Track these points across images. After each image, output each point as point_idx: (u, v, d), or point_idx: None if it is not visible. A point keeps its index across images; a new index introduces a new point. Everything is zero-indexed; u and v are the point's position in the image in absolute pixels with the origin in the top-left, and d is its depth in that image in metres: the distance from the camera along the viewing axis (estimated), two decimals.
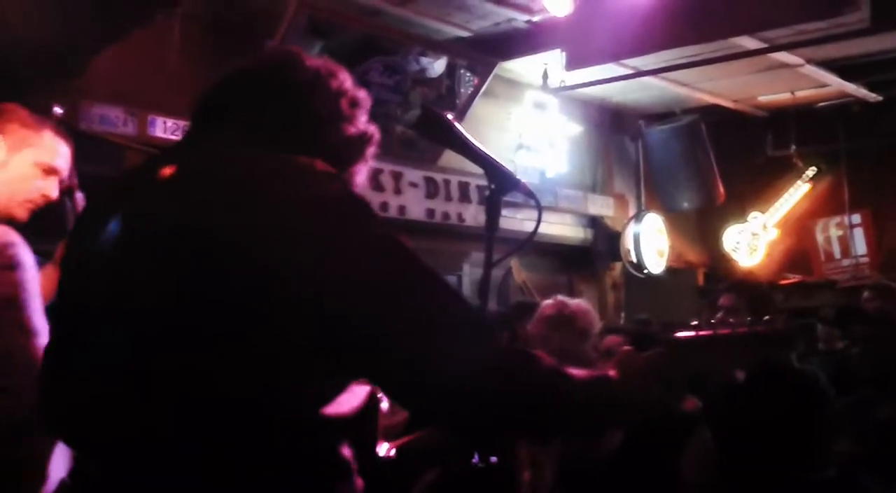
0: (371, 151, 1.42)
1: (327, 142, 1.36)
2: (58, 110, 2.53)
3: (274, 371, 1.13)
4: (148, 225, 1.23)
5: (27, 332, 1.94)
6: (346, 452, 1.22)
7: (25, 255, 2.03)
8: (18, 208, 2.25)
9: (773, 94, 7.40)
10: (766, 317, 1.37)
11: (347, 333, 1.12)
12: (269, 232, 1.13)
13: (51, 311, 1.43)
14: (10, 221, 2.18)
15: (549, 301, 3.66)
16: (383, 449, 1.41)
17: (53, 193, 2.32)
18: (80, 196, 2.52)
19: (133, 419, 1.17)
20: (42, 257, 2.68)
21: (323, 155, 1.28)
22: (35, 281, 2.03)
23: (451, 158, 6.24)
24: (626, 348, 1.36)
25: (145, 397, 1.16)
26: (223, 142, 1.34)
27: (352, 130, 1.38)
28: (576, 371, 1.24)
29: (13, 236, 2.04)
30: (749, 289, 3.61)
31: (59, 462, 2.31)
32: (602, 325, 4.00)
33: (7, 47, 3.50)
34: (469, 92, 6.23)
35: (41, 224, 2.52)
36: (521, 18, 5.76)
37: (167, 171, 1.27)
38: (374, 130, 1.42)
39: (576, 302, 3.84)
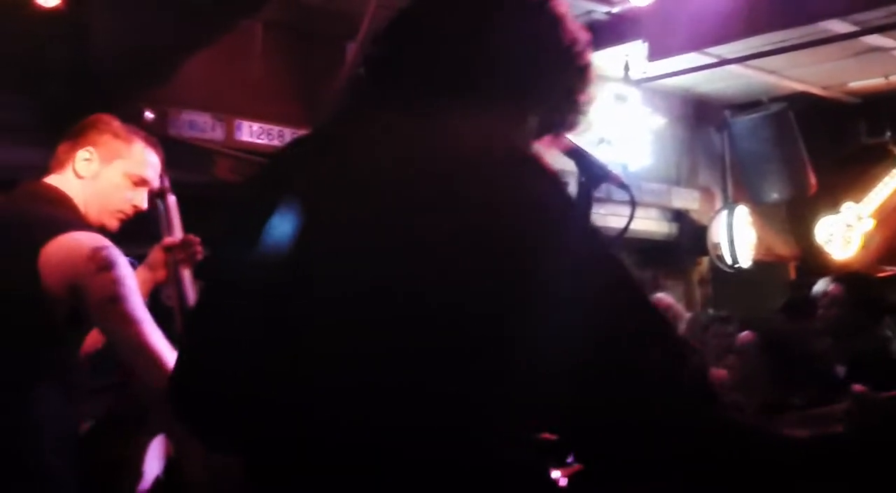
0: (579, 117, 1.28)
1: (542, 103, 1.22)
2: (149, 115, 2.60)
3: (497, 388, 1.03)
4: (331, 221, 1.09)
5: (133, 322, 2.01)
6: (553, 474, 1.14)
7: (117, 256, 2.09)
8: (109, 218, 2.32)
9: (866, 79, 7.11)
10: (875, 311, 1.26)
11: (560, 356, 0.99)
12: (487, 239, 1.00)
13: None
14: (101, 230, 2.26)
15: (661, 295, 3.68)
16: (555, 475, 1.34)
17: (143, 203, 2.38)
18: (172, 199, 2.58)
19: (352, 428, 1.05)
20: (135, 261, 2.77)
21: (530, 122, 1.17)
22: (131, 278, 2.09)
23: None
24: (858, 387, 1.20)
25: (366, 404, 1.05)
26: (406, 104, 1.16)
27: (577, 91, 1.24)
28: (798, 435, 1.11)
29: (103, 240, 2.11)
30: (858, 281, 3.46)
31: (155, 461, 2.38)
32: (715, 315, 3.90)
33: (96, 56, 3.62)
34: None
35: (134, 229, 2.60)
36: (600, 10, 5.68)
37: (347, 156, 1.13)
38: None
39: (659, 295, 3.81)
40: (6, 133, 3.78)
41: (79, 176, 2.28)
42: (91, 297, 2.03)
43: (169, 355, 2.00)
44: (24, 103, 3.74)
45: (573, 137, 1.45)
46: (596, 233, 1.08)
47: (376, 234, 1.05)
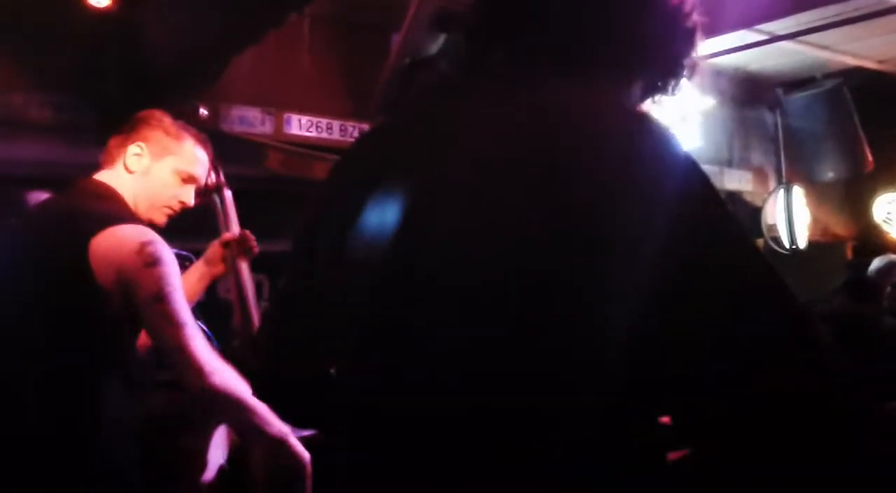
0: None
1: (650, 68, 1.18)
2: (204, 112, 2.63)
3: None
4: (454, 199, 1.03)
5: (175, 324, 2.02)
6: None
7: (165, 250, 2.12)
8: (157, 214, 2.36)
9: None
10: None
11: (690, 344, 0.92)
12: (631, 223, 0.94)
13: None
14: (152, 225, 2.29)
15: None
16: None
17: (191, 200, 2.41)
18: (228, 194, 2.61)
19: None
20: (192, 256, 2.81)
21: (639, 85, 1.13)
22: (176, 276, 2.12)
23: None
24: None
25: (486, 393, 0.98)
26: (511, 76, 1.11)
27: (684, 55, 1.18)
28: None
29: (151, 234, 2.14)
30: None
31: (219, 450, 2.42)
32: None
33: (148, 53, 3.67)
34: None
35: (193, 223, 2.64)
36: None
37: (461, 132, 1.07)
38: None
39: None
40: (64, 134, 3.86)
41: (129, 171, 2.31)
42: (137, 292, 2.06)
43: (205, 358, 2.02)
44: (81, 104, 3.81)
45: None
46: (716, 192, 1.02)
47: (504, 209, 0.99)
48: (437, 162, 1.08)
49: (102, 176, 2.31)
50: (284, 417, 1.42)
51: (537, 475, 0.97)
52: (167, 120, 2.38)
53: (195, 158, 2.38)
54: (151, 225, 2.28)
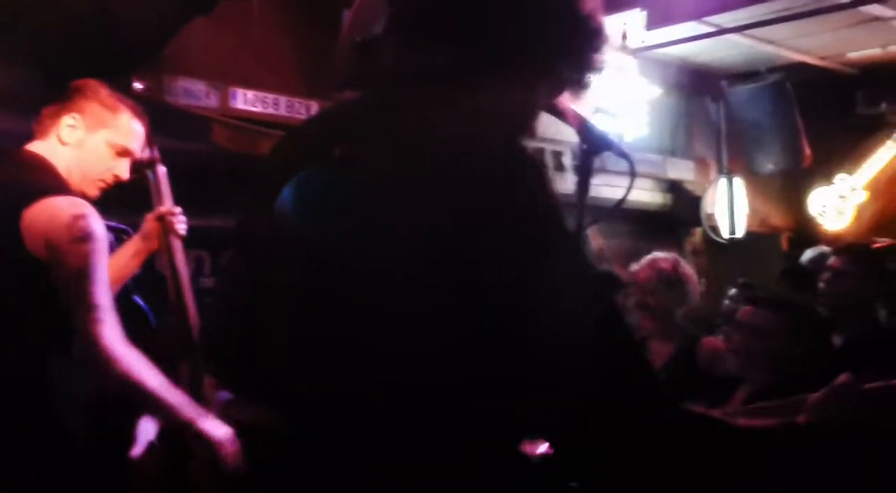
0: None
1: (552, 64, 1.22)
2: (138, 86, 2.59)
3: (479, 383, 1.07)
4: (337, 216, 1.14)
5: (88, 306, 2.02)
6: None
7: (97, 226, 2.09)
8: (90, 186, 2.32)
9: (864, 49, 7.08)
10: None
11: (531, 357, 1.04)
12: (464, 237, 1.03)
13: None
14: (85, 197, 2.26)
15: (665, 255, 3.67)
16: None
17: (125, 174, 2.37)
18: (162, 170, 2.58)
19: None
20: (129, 229, 2.78)
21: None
22: (104, 254, 2.10)
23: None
24: (844, 377, 1.22)
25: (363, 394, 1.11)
26: (412, 77, 1.18)
27: (587, 52, 1.22)
28: (753, 427, 1.13)
29: (85, 208, 2.11)
30: (864, 253, 3.40)
31: (147, 426, 2.41)
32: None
33: (94, 22, 3.59)
34: None
35: (126, 197, 2.60)
36: None
37: (346, 151, 1.18)
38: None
39: (666, 255, 3.81)
40: (13, 104, 3.74)
41: (62, 143, 2.26)
42: (61, 265, 2.04)
43: (113, 343, 2.02)
44: (28, 73, 3.70)
45: (575, 105, 1.45)
46: (572, 239, 1.12)
47: (379, 219, 1.10)
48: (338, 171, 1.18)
49: (36, 147, 2.26)
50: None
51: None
52: (104, 91, 2.33)
53: (131, 131, 2.34)
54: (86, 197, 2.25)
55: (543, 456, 1.21)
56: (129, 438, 2.39)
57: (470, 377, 1.06)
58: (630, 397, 1.05)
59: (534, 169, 1.11)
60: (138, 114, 2.37)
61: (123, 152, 2.34)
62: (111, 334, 2.04)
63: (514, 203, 1.05)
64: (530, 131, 1.29)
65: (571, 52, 1.22)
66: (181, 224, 2.62)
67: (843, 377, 1.18)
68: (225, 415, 2.30)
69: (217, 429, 2.19)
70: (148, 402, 2.11)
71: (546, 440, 1.17)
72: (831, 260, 3.30)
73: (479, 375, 1.06)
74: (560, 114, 1.44)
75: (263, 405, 1.36)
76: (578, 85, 1.27)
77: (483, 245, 1.03)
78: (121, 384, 2.04)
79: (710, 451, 1.09)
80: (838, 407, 1.14)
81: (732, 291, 5.92)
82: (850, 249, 3.51)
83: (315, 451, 1.17)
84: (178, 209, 2.62)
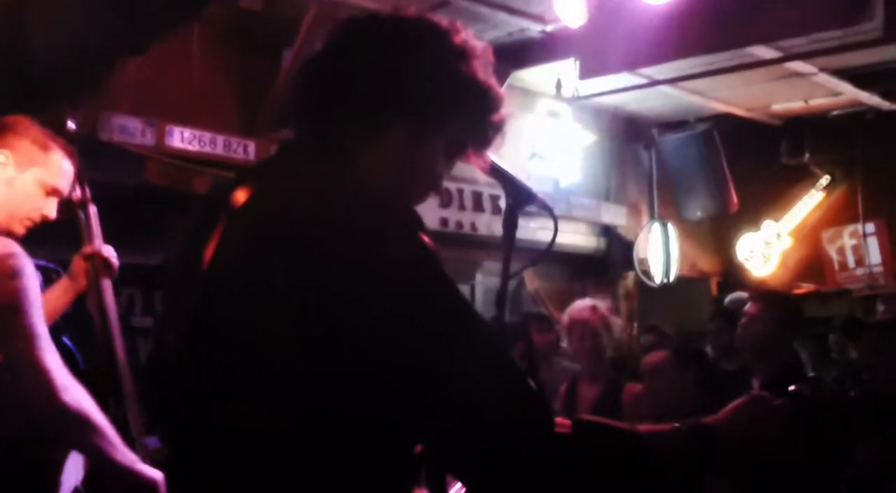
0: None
1: (441, 124, 1.30)
2: (71, 126, 2.55)
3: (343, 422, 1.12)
4: (222, 261, 1.20)
5: (27, 337, 1.99)
6: None
7: (25, 264, 2.07)
8: (17, 225, 2.28)
9: (787, 102, 7.40)
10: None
11: (408, 399, 1.10)
12: (337, 292, 1.09)
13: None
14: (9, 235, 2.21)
15: (601, 301, 3.80)
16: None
17: (52, 213, 2.34)
18: (93, 209, 2.55)
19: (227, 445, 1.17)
20: (59, 268, 2.73)
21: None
22: (35, 289, 2.07)
23: (463, 167, 6.23)
24: (759, 393, 1.25)
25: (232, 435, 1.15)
26: (299, 153, 1.27)
27: (481, 112, 1.31)
28: (658, 433, 1.19)
29: (13, 247, 2.09)
30: (776, 299, 3.53)
31: (72, 470, 2.34)
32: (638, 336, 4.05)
33: (30, 57, 3.54)
34: None
35: (56, 236, 2.56)
36: (535, 28, 5.79)
37: (240, 198, 1.24)
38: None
39: (594, 302, 3.91)
40: None
41: None
42: None
43: (57, 374, 1.98)
44: None
45: (500, 160, 1.50)
46: (446, 291, 1.14)
47: (241, 279, 1.16)
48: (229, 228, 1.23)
49: None
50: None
51: None
52: (35, 129, 2.29)
53: (61, 170, 2.30)
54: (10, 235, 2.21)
55: None
56: (51, 482, 2.32)
57: (349, 425, 1.11)
58: (524, 428, 1.11)
59: (406, 229, 1.15)
60: (69, 153, 2.34)
61: (53, 192, 2.30)
62: (55, 363, 2.00)
63: (380, 255, 1.11)
64: (432, 189, 1.36)
65: (459, 113, 1.30)
66: (113, 261, 2.58)
67: (759, 391, 1.25)
68: (152, 459, 2.25)
69: (152, 472, 2.14)
70: (90, 438, 2.05)
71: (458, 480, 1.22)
72: (747, 306, 3.42)
73: (359, 424, 1.11)
74: (491, 170, 1.49)
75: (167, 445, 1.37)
76: (481, 143, 1.35)
77: (353, 306, 1.08)
78: (66, 415, 1.98)
79: (614, 456, 1.15)
80: (746, 415, 1.20)
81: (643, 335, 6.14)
82: (763, 295, 3.64)
83: None
84: (109, 249, 2.58)
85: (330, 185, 1.18)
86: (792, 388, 1.22)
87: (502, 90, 1.34)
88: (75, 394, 1.99)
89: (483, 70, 1.32)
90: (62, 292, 2.54)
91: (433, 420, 1.11)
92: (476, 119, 1.32)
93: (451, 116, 1.30)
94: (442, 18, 1.34)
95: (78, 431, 2.01)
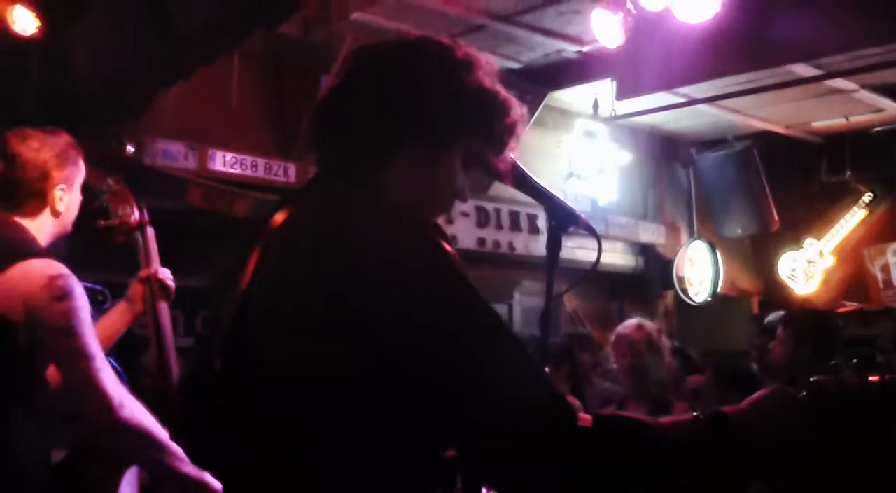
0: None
1: (452, 141, 1.33)
2: (131, 148, 2.60)
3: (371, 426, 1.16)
4: (258, 279, 1.25)
5: (83, 357, 2.02)
6: None
7: (74, 285, 2.10)
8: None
9: (828, 119, 7.31)
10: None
11: (434, 402, 1.13)
12: (364, 305, 1.13)
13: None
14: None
15: (649, 321, 3.77)
16: None
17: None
18: (151, 232, 2.59)
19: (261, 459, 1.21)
20: (105, 290, 2.77)
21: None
22: (86, 309, 2.10)
23: (501, 187, 6.25)
24: (778, 386, 1.26)
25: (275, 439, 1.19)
26: (328, 179, 1.33)
27: (493, 126, 1.34)
28: (678, 423, 1.21)
29: (60, 268, 2.12)
30: (799, 319, 3.51)
31: (128, 486, 2.37)
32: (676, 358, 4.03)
33: (76, 84, 3.63)
34: None
35: (116, 260, 2.61)
36: (571, 49, 5.80)
37: (278, 220, 1.29)
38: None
39: (640, 322, 3.90)
40: None
41: (56, 213, 2.27)
42: (45, 325, 2.04)
43: (114, 391, 2.01)
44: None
45: (542, 181, 1.51)
46: (468, 292, 1.17)
47: (275, 295, 1.21)
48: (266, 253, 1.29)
49: (22, 221, 2.24)
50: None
51: None
52: (76, 151, 2.35)
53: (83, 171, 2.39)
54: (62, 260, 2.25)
55: None
56: None
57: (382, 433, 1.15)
58: (547, 422, 1.13)
59: (424, 238, 1.19)
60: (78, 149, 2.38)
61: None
62: (112, 381, 2.03)
63: (409, 270, 1.15)
64: (454, 200, 1.39)
65: (469, 126, 1.33)
66: (170, 284, 2.60)
67: (779, 386, 1.25)
68: None
69: (214, 481, 2.16)
70: (152, 451, 2.07)
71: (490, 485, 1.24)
72: (778, 330, 3.41)
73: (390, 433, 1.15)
74: (529, 191, 1.50)
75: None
76: (498, 149, 1.38)
77: (377, 315, 1.13)
78: (125, 431, 2.01)
79: (637, 447, 1.16)
80: (767, 406, 1.20)
81: None
82: (786, 316, 3.63)
83: None
84: (166, 271, 2.60)
85: (352, 204, 1.23)
86: (813, 379, 1.22)
87: (511, 95, 1.37)
88: (133, 410, 2.03)
89: (489, 79, 1.34)
90: (119, 315, 2.56)
91: (459, 421, 1.13)
92: (488, 127, 1.35)
93: (461, 130, 1.33)
94: (444, 37, 1.38)
95: (138, 446, 2.04)
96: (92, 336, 2.07)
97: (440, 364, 1.12)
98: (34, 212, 2.25)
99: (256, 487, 1.21)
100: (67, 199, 2.30)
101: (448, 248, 1.19)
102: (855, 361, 1.22)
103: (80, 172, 2.33)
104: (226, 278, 1.33)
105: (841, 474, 2.15)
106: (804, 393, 1.20)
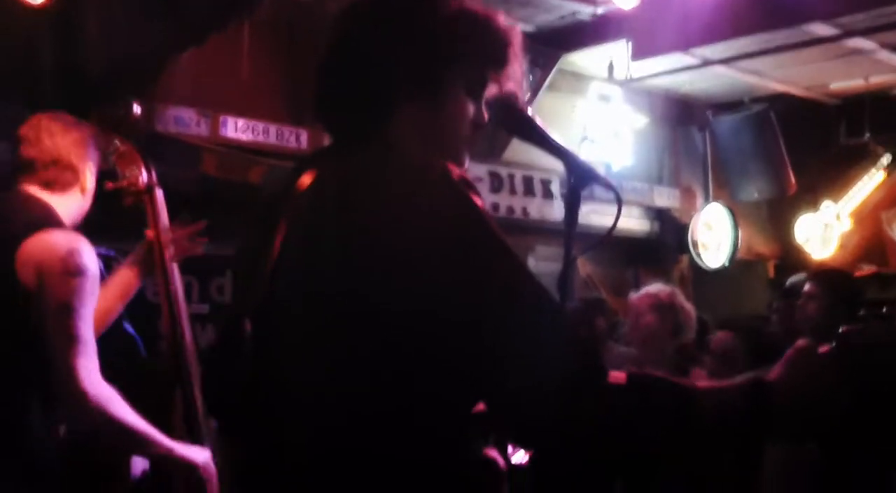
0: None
1: (449, 70, 1.32)
2: (138, 109, 2.58)
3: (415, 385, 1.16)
4: (290, 243, 1.26)
5: (70, 338, 2.02)
6: (492, 453, 1.25)
7: (90, 262, 2.10)
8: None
9: (846, 80, 7.19)
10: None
11: (467, 358, 1.13)
12: (396, 259, 1.14)
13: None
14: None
15: (664, 287, 3.75)
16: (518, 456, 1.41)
17: None
18: (159, 194, 2.56)
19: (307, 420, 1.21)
20: (118, 255, 2.77)
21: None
22: (94, 291, 2.10)
23: (514, 152, 6.23)
24: (802, 341, 1.24)
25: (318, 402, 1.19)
26: (352, 137, 1.33)
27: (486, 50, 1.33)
28: (716, 389, 1.20)
29: (80, 243, 2.12)
30: (834, 279, 3.51)
31: (140, 461, 2.39)
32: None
33: (87, 52, 3.62)
34: (533, 85, 6.22)
35: (122, 225, 2.60)
36: (585, 11, 5.72)
37: (305, 182, 1.30)
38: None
39: (662, 287, 3.87)
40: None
41: (85, 191, 2.29)
42: (50, 295, 2.04)
43: (89, 377, 2.01)
44: (12, 102, 3.72)
45: (560, 136, 1.49)
46: (490, 236, 1.18)
47: (308, 256, 1.22)
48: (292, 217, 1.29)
49: (47, 198, 2.25)
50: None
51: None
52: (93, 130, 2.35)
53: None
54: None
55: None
56: (122, 465, 2.37)
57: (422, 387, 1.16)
58: (579, 380, 1.13)
59: (450, 188, 1.19)
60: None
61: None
62: (88, 367, 2.03)
63: (439, 220, 1.15)
64: (475, 130, 1.38)
65: (457, 56, 1.31)
66: (183, 242, 2.57)
67: (800, 342, 1.23)
68: (217, 443, 2.29)
69: (196, 454, 2.18)
70: (120, 436, 2.09)
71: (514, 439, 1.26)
72: (806, 287, 3.41)
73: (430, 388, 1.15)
74: (548, 147, 1.48)
75: (236, 435, 1.41)
76: (498, 65, 1.35)
77: (408, 266, 1.13)
78: (93, 417, 2.03)
79: (670, 407, 1.15)
80: (798, 368, 1.18)
81: None
82: (818, 274, 3.63)
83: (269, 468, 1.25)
84: (177, 231, 2.56)
85: (376, 165, 1.23)
86: (842, 330, 1.21)
87: (492, 12, 1.35)
88: (101, 396, 2.03)
89: (465, 1, 1.33)
90: (127, 273, 2.55)
91: (488, 374, 1.14)
92: (478, 44, 1.33)
93: (450, 59, 1.31)
94: None
95: (106, 432, 2.07)
96: (88, 320, 2.07)
97: (474, 321, 1.13)
98: (64, 188, 2.25)
99: (288, 450, 1.22)
100: (93, 179, 2.31)
101: (478, 201, 1.19)
102: (885, 309, 1.21)
103: (100, 156, 2.35)
104: (252, 244, 1.33)
105: (865, 435, 2.15)
106: (834, 345, 1.18)
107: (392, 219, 1.15)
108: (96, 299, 2.12)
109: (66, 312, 2.03)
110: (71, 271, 2.05)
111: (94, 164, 2.33)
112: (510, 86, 1.40)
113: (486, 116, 1.38)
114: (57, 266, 2.04)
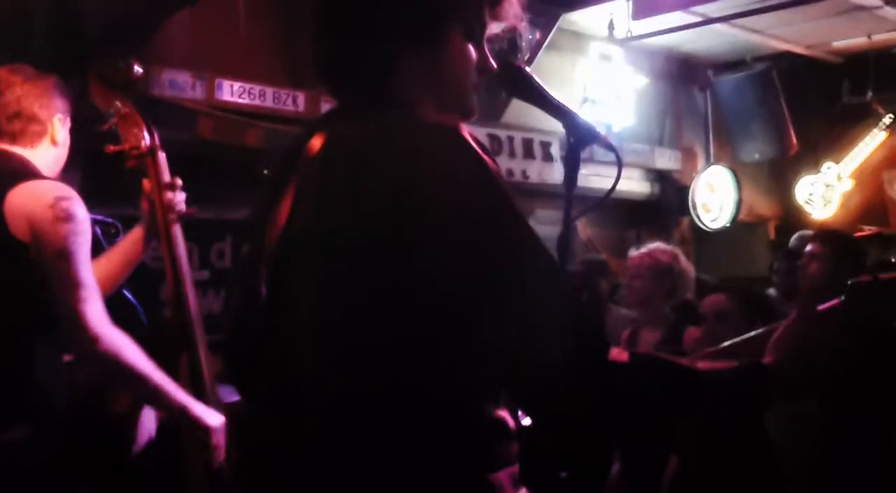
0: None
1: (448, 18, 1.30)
2: (139, 69, 2.54)
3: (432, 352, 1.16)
4: (302, 207, 1.24)
5: (72, 283, 2.03)
6: (503, 414, 1.24)
7: (79, 208, 2.10)
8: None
9: (849, 38, 7.11)
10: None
11: (478, 325, 1.14)
12: (413, 224, 1.13)
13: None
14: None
15: (664, 247, 3.74)
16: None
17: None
18: (162, 156, 2.51)
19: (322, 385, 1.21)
20: (117, 223, 2.74)
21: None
22: (86, 236, 2.10)
23: (513, 114, 6.17)
24: (803, 307, 1.29)
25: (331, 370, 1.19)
26: (359, 97, 1.31)
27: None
28: (719, 368, 1.22)
29: (68, 191, 2.12)
30: (837, 238, 3.51)
31: (146, 422, 2.39)
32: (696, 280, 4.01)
33: (79, 13, 3.56)
34: (532, 45, 6.15)
35: (126, 189, 2.57)
36: None
37: (316, 145, 1.28)
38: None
39: (663, 246, 3.86)
40: None
41: (56, 143, 2.28)
42: (43, 245, 2.04)
43: (98, 321, 2.02)
44: (3, 59, 3.67)
45: (560, 97, 1.46)
46: (503, 199, 1.17)
47: (321, 220, 1.21)
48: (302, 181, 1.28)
49: (21, 151, 2.23)
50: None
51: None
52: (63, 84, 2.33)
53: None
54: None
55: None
56: (127, 434, 2.36)
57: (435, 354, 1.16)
58: (588, 360, 1.15)
59: (465, 153, 1.18)
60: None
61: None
62: (96, 311, 2.04)
63: (453, 183, 1.15)
64: (482, 75, 1.35)
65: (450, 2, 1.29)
66: (181, 206, 2.53)
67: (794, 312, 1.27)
68: (226, 410, 2.29)
69: (210, 417, 2.18)
70: (135, 384, 2.10)
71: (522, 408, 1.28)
72: (809, 246, 3.40)
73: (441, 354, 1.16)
74: (547, 107, 1.45)
75: (254, 402, 1.39)
76: (494, 6, 1.33)
77: (426, 232, 1.13)
78: (106, 363, 2.04)
79: (671, 389, 1.17)
80: (797, 335, 1.22)
81: None
82: (822, 234, 3.63)
83: (292, 434, 1.25)
84: (178, 194, 2.52)
85: (384, 125, 1.22)
86: (851, 281, 1.23)
87: None
88: (114, 341, 2.03)
89: None
90: (132, 239, 2.51)
91: (496, 345, 1.14)
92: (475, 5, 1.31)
93: (445, 8, 1.29)
94: None
95: (121, 376, 2.07)
96: (86, 264, 2.07)
97: (487, 283, 1.13)
98: (33, 141, 2.24)
99: (307, 412, 1.22)
100: (64, 131, 2.28)
101: (490, 162, 1.18)
102: (894, 260, 1.22)
103: (70, 107, 2.32)
104: (263, 207, 1.32)
105: (866, 393, 2.16)
106: (843, 298, 1.21)
107: (407, 182, 1.14)
108: (90, 243, 2.11)
109: (64, 258, 2.03)
110: (61, 217, 2.05)
111: (64, 114, 2.30)
112: (510, 21, 1.37)
113: (491, 61, 1.35)
114: (47, 214, 2.04)
